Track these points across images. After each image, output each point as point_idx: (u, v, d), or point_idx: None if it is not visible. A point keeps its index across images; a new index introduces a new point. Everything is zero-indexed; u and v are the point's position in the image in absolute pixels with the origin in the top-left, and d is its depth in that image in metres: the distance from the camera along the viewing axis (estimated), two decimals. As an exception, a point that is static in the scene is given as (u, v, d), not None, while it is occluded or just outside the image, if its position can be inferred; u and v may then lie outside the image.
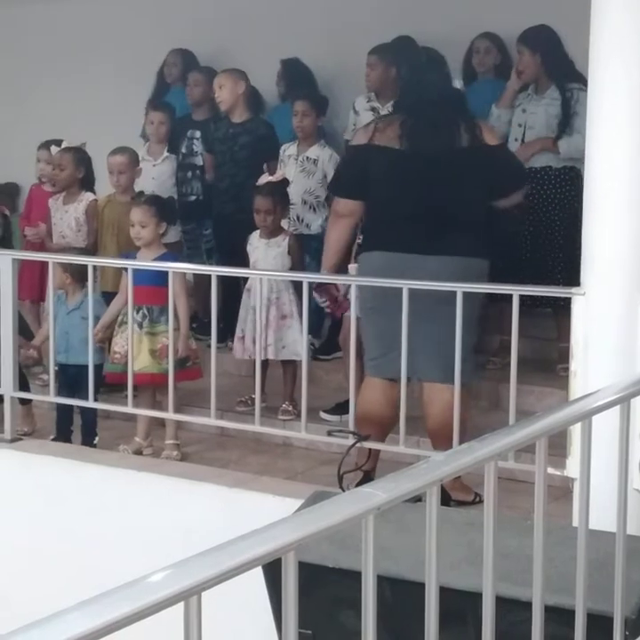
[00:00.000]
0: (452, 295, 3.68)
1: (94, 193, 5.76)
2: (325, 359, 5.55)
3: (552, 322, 5.33)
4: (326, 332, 5.76)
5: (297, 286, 4.87)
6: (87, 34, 7.59)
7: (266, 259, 5.17)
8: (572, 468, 3.13)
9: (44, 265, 5.21)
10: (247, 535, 1.37)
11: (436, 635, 1.66)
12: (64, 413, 4.97)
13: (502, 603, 2.13)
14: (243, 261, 5.25)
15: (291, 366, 5.10)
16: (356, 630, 1.58)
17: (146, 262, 4.70)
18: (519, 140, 5.41)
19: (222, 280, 5.04)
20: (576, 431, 2.75)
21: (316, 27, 6.84)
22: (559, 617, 2.19)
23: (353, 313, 3.80)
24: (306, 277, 3.77)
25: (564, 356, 4.51)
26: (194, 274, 5.54)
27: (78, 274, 4.78)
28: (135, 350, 4.59)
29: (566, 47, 5.33)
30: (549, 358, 5.32)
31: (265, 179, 5.30)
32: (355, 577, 1.64)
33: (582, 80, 5.07)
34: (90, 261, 4.49)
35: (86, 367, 4.48)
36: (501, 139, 4.89)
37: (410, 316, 3.74)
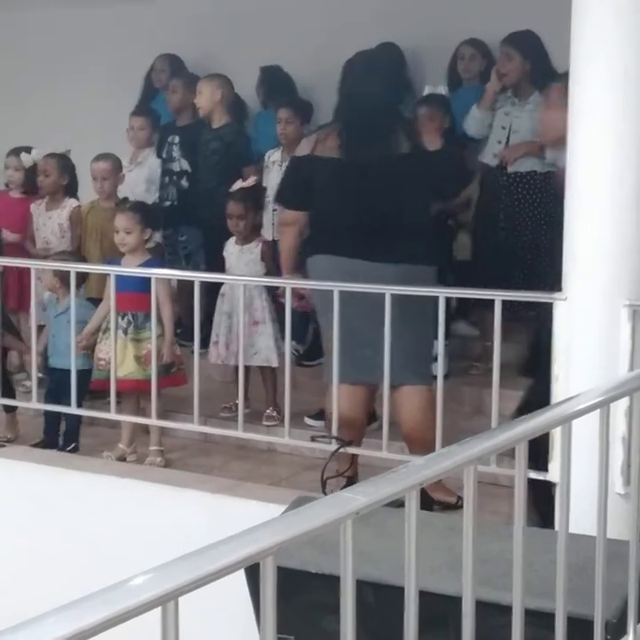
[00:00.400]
0: (407, 299, 3.70)
1: (78, 199, 5.76)
2: (309, 365, 5.56)
3: (536, 326, 5.34)
4: (310, 337, 5.77)
5: (271, 292, 4.96)
6: (72, 40, 7.59)
7: (239, 265, 5.20)
8: (554, 472, 3.14)
9: (21, 272, 5.20)
10: (226, 540, 1.37)
11: (416, 638, 1.66)
12: (52, 419, 4.95)
13: (483, 607, 2.13)
14: (221, 267, 5.28)
15: (268, 371, 5.11)
16: (339, 635, 1.59)
17: (130, 268, 4.70)
18: (502, 142, 5.43)
19: (205, 285, 5.05)
20: (558, 435, 2.76)
21: (300, 33, 6.85)
22: (540, 621, 2.20)
23: (336, 318, 3.81)
24: (288, 283, 3.77)
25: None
26: (177, 280, 5.54)
27: (68, 278, 4.78)
28: (120, 356, 4.58)
29: (549, 53, 5.36)
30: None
31: (238, 185, 5.36)
32: (337, 582, 1.64)
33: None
34: (72, 267, 4.48)
35: (65, 371, 4.49)
36: (479, 138, 4.90)
37: (367, 321, 3.78)
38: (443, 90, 5.79)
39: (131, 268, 4.70)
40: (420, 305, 3.85)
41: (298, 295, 4.41)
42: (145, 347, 4.69)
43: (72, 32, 7.59)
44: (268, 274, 5.13)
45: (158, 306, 4.53)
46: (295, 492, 3.52)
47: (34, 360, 4.56)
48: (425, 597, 1.94)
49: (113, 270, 4.47)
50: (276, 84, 6.57)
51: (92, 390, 4.88)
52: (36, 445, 4.90)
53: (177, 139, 6.28)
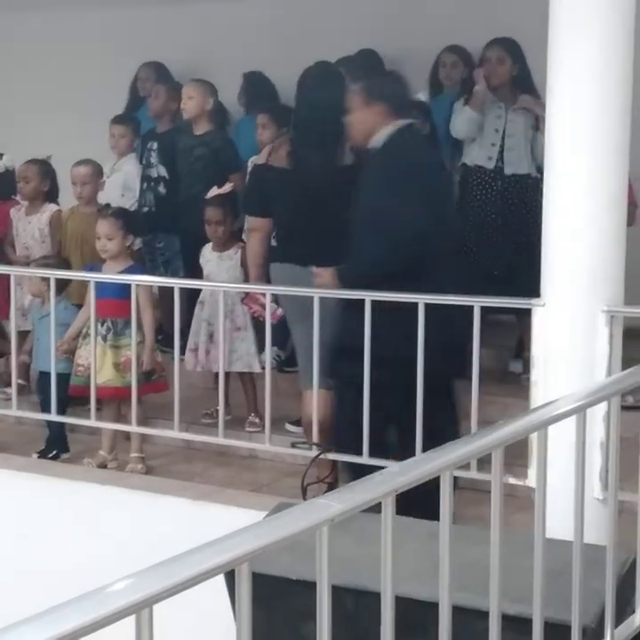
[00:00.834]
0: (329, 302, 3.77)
1: (58, 204, 5.75)
2: (291, 371, 5.55)
3: (516, 331, 5.36)
4: (292, 344, 5.76)
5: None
6: (55, 46, 7.57)
7: (219, 272, 5.19)
8: (534, 477, 3.15)
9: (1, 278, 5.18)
10: (201, 547, 1.37)
11: (393, 644, 1.67)
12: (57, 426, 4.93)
13: (464, 613, 2.14)
14: (199, 274, 5.29)
15: (247, 378, 5.11)
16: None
17: (111, 275, 4.69)
18: (497, 144, 5.43)
19: (186, 292, 5.05)
20: (535, 441, 2.77)
21: (282, 40, 6.87)
22: (520, 626, 2.20)
23: (316, 323, 3.81)
24: (268, 289, 3.77)
25: (527, 365, 4.55)
26: (158, 286, 5.54)
27: (55, 281, 4.78)
28: (99, 363, 4.57)
29: (528, 61, 5.39)
30: (512, 368, 5.35)
31: (213, 191, 5.37)
32: (316, 589, 1.64)
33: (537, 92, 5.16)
34: (52, 274, 4.47)
35: (49, 374, 4.48)
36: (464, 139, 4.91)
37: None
38: (422, 96, 5.80)
39: (111, 275, 4.69)
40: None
41: (259, 304, 4.44)
42: (124, 354, 4.68)
43: (55, 38, 7.57)
44: (246, 280, 5.14)
45: (139, 312, 4.52)
46: (276, 499, 3.51)
47: (14, 367, 4.54)
48: (405, 603, 1.95)
49: (93, 277, 4.46)
50: (258, 89, 6.57)
51: (71, 396, 4.86)
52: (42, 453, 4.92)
53: (155, 145, 6.27)
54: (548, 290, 3.27)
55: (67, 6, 7.32)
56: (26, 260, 5.59)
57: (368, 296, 3.71)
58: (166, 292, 5.19)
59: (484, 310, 3.75)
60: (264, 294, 4.29)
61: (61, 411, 4.68)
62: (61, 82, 7.53)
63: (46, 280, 4.78)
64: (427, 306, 3.58)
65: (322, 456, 3.93)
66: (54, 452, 4.88)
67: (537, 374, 3.27)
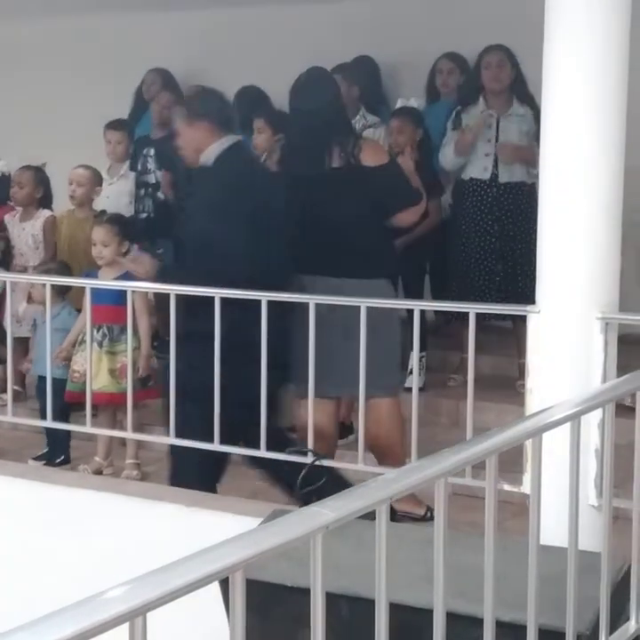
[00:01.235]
0: (353, 311, 3.71)
1: (52, 211, 5.76)
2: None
3: (512, 338, 5.37)
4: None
5: None
6: (56, 52, 7.59)
7: None
8: (528, 484, 3.15)
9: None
10: (195, 554, 1.37)
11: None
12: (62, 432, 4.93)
13: (459, 620, 2.14)
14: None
15: None
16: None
17: (106, 281, 4.69)
18: (490, 155, 5.44)
19: (183, 298, 5.04)
20: (530, 447, 2.77)
21: (277, 48, 6.89)
22: (515, 633, 2.20)
23: (311, 331, 3.81)
24: (264, 296, 3.77)
25: (523, 372, 4.56)
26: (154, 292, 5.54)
27: (58, 286, 4.79)
28: (94, 369, 4.57)
29: (523, 68, 5.40)
30: (509, 375, 5.36)
31: None
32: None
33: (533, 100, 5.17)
34: (48, 280, 4.47)
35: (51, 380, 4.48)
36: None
37: (330, 334, 3.81)
38: (414, 102, 5.81)
39: (107, 281, 4.69)
40: (381, 317, 3.87)
41: None
42: (119, 360, 4.69)
43: (53, 43, 7.59)
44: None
45: (135, 318, 4.52)
46: (271, 506, 3.51)
47: (10, 373, 4.54)
48: (400, 610, 1.95)
49: (89, 283, 4.46)
50: (251, 105, 6.58)
51: (67, 402, 4.87)
52: (38, 458, 4.94)
53: (152, 151, 6.27)
54: (543, 296, 3.27)
55: (67, 12, 7.33)
56: (22, 267, 5.59)
57: (363, 302, 3.71)
58: (163, 299, 5.18)
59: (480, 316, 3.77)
60: None
61: (63, 416, 4.69)
62: (59, 88, 7.53)
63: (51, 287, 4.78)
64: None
65: (316, 462, 3.93)
66: (62, 457, 4.89)
67: (532, 381, 3.27)
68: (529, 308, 3.33)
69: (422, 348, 4.50)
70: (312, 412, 3.91)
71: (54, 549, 4.11)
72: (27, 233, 5.66)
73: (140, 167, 6.30)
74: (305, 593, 2.60)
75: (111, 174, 6.22)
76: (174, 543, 3.52)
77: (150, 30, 7.33)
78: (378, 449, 4.12)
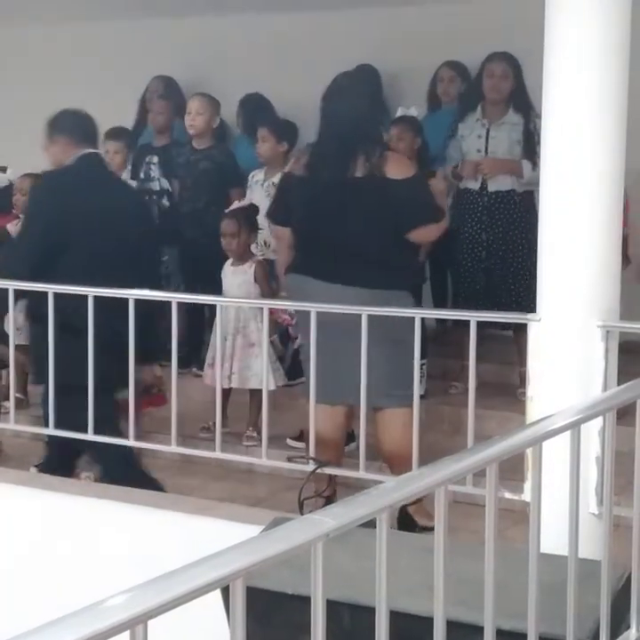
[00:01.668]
0: (377, 321, 3.71)
1: None
2: (290, 384, 5.56)
3: (513, 346, 5.38)
4: (290, 357, 5.78)
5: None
6: (58, 59, 7.61)
7: (232, 286, 5.21)
8: (529, 492, 3.15)
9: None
10: (195, 563, 1.38)
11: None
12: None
13: (459, 628, 2.14)
14: (207, 286, 5.29)
15: (257, 394, 5.11)
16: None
17: (109, 289, 4.69)
18: (482, 151, 5.45)
19: (186, 306, 5.06)
20: (531, 456, 2.78)
21: (279, 56, 6.91)
22: (515, 641, 2.21)
23: (313, 338, 3.82)
24: (265, 304, 3.78)
25: (524, 380, 4.57)
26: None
27: None
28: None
29: (525, 76, 5.41)
30: (511, 382, 5.37)
31: (235, 205, 5.41)
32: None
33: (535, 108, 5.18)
34: (51, 288, 4.47)
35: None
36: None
37: (345, 341, 3.81)
38: (414, 111, 5.83)
39: (109, 289, 4.69)
40: (397, 327, 3.86)
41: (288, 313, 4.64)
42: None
43: (59, 52, 7.61)
44: (263, 295, 5.15)
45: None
46: (273, 513, 3.52)
47: (12, 381, 4.54)
48: (401, 618, 1.95)
49: (91, 291, 4.47)
50: (253, 114, 6.59)
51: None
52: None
53: (155, 158, 6.29)
54: (543, 305, 3.28)
55: (70, 20, 7.36)
56: None
57: (365, 311, 3.72)
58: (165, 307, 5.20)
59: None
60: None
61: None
62: (62, 96, 7.54)
63: None
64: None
65: (319, 470, 3.94)
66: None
67: (533, 389, 3.28)
68: (530, 316, 3.33)
69: (423, 356, 4.50)
70: (315, 419, 3.92)
71: (56, 557, 4.11)
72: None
73: (142, 175, 6.32)
74: (306, 601, 2.61)
75: None
76: (175, 551, 3.53)
77: (153, 38, 7.34)
78: (392, 459, 4.11)
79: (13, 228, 5.77)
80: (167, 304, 4.08)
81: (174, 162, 6.15)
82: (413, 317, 3.69)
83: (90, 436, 4.15)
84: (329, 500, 3.98)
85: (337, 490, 4.13)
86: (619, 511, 2.54)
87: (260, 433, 4.83)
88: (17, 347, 4.55)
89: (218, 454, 4.02)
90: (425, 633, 2.44)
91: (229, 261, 5.32)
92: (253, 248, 5.70)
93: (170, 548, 3.71)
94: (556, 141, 3.24)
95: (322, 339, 3.81)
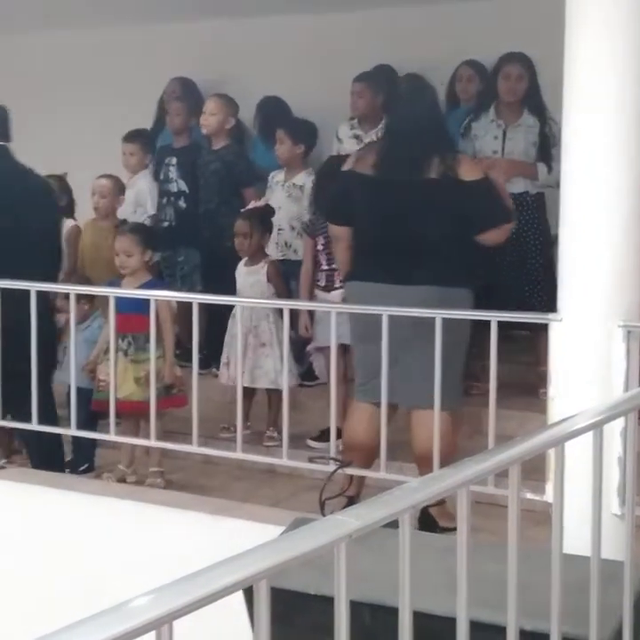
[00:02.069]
0: (431, 324, 3.71)
1: (75, 220, 5.81)
2: (309, 385, 5.57)
3: (532, 346, 5.37)
4: (308, 358, 5.78)
5: (280, 314, 4.96)
6: (77, 63, 7.65)
7: (245, 286, 5.23)
8: (552, 493, 3.14)
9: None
10: (219, 563, 1.39)
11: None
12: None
13: (482, 628, 2.14)
14: (222, 286, 5.31)
15: (274, 393, 5.12)
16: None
17: (131, 290, 4.72)
18: (499, 152, 5.44)
19: (206, 307, 5.07)
20: (553, 456, 2.77)
21: (298, 57, 6.92)
22: (538, 642, 2.21)
23: (333, 340, 3.83)
24: (285, 304, 3.79)
25: (544, 379, 4.55)
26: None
27: (86, 298, 4.84)
28: (120, 378, 4.60)
29: (539, 76, 5.40)
30: (530, 383, 5.35)
31: (252, 205, 5.42)
32: (334, 604, 1.65)
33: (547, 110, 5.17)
34: (72, 289, 4.51)
35: (78, 390, 4.52)
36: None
37: (397, 343, 3.78)
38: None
39: (131, 290, 4.72)
40: (454, 329, 3.85)
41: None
42: (145, 368, 4.70)
43: (77, 55, 7.65)
44: (275, 295, 5.16)
45: (159, 327, 4.55)
46: (294, 514, 3.52)
47: (34, 383, 4.57)
48: (422, 618, 1.95)
49: (112, 292, 4.49)
50: (271, 115, 6.59)
51: (94, 411, 4.90)
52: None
53: (174, 160, 6.31)
54: (564, 305, 3.27)
55: (92, 25, 7.40)
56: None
57: (385, 311, 3.73)
58: (185, 307, 5.23)
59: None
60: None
61: (91, 425, 4.72)
62: (84, 98, 7.59)
63: (83, 298, 4.82)
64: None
65: (340, 470, 3.94)
66: (86, 465, 4.92)
67: (554, 389, 3.27)
68: (551, 316, 3.33)
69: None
70: (334, 420, 3.92)
71: (77, 556, 4.14)
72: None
73: (162, 176, 6.34)
74: (328, 601, 2.61)
75: (128, 185, 6.27)
76: (197, 551, 3.55)
77: (171, 41, 7.37)
78: (422, 460, 4.05)
79: None
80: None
81: (193, 163, 6.17)
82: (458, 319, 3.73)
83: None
84: (352, 500, 3.98)
85: (363, 491, 4.11)
86: (641, 512, 2.54)
87: (279, 433, 4.86)
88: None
89: (239, 455, 4.03)
90: (445, 633, 2.44)
91: (243, 261, 5.33)
92: (275, 249, 5.72)
93: (191, 547, 3.72)
94: (577, 142, 3.23)
95: (369, 340, 3.79)
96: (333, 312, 3.82)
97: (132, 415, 4.81)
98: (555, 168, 5.21)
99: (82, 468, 4.93)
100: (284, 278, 5.39)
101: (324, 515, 3.72)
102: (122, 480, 4.76)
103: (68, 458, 5.03)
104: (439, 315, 3.69)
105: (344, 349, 4.72)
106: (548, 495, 3.21)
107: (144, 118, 6.90)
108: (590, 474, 2.12)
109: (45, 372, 4.68)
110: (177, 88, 6.90)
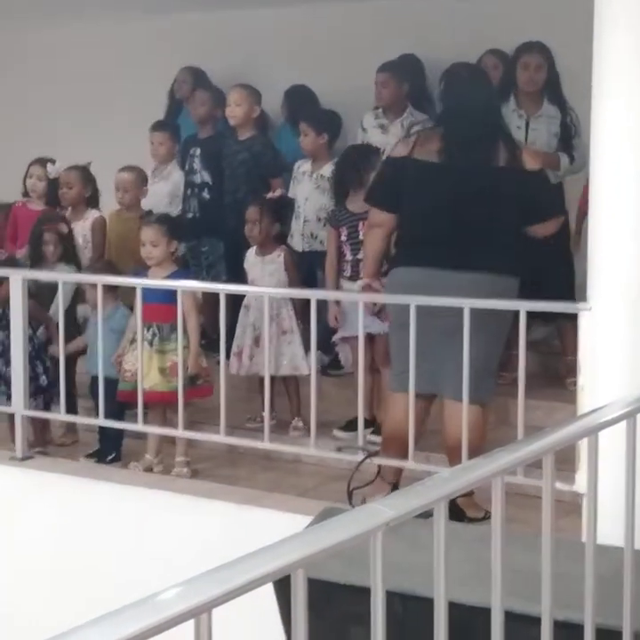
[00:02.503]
0: (477, 313, 3.68)
1: (100, 210, 5.82)
2: (336, 374, 5.57)
3: (557, 335, 5.35)
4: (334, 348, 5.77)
5: (296, 302, 4.99)
6: (96, 54, 7.66)
7: (263, 275, 5.22)
8: (581, 483, 3.14)
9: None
10: (256, 553, 1.39)
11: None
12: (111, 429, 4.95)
13: (512, 618, 2.14)
14: (242, 278, 5.32)
15: (292, 381, 5.12)
16: (367, 646, 1.59)
17: (156, 280, 4.73)
18: (522, 142, 5.40)
19: (229, 297, 5.08)
20: (584, 446, 2.76)
21: (322, 46, 6.89)
22: (569, 632, 2.20)
23: (360, 329, 3.82)
24: (313, 294, 3.79)
25: (571, 369, 4.53)
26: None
27: (110, 287, 4.82)
28: (145, 368, 4.61)
29: (558, 65, 5.36)
30: (556, 372, 5.33)
31: (269, 196, 5.43)
32: (365, 593, 1.65)
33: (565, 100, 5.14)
34: (99, 280, 4.51)
35: (104, 380, 4.53)
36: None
37: (437, 333, 3.77)
38: None
39: (157, 280, 4.72)
40: (492, 321, 3.81)
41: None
42: (170, 358, 4.71)
43: (97, 47, 7.66)
44: (291, 284, 5.15)
45: (184, 317, 4.55)
46: (322, 503, 3.53)
47: (62, 372, 4.59)
48: (454, 608, 1.94)
49: (139, 282, 4.50)
50: (298, 105, 6.57)
51: (120, 402, 4.91)
52: (90, 456, 4.99)
53: (198, 151, 6.31)
54: (594, 294, 3.26)
55: (109, 15, 7.40)
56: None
57: (413, 301, 3.72)
58: (210, 297, 5.24)
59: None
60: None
61: (118, 415, 4.73)
62: (103, 89, 7.60)
63: (104, 288, 4.81)
64: None
65: (367, 460, 3.93)
66: (113, 455, 4.94)
67: (584, 379, 3.26)
68: (580, 305, 3.31)
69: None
70: (362, 409, 3.91)
71: (105, 546, 4.16)
72: (77, 233, 5.71)
73: (187, 167, 6.34)
74: (358, 591, 2.62)
75: (155, 175, 6.27)
76: (226, 540, 3.56)
77: (192, 31, 7.36)
78: (454, 450, 3.99)
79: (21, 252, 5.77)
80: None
81: (219, 154, 6.16)
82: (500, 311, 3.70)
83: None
84: (395, 488, 3.92)
85: (401, 480, 4.08)
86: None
87: (305, 423, 4.86)
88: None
89: (266, 445, 4.04)
90: (477, 623, 2.43)
91: (253, 250, 5.31)
92: (300, 240, 5.70)
93: (220, 537, 3.73)
94: (607, 129, 3.21)
95: (408, 330, 3.77)
96: (361, 302, 3.81)
97: (157, 405, 4.82)
98: (576, 158, 5.19)
99: (109, 458, 4.95)
100: (310, 269, 5.37)
101: (351, 504, 3.72)
102: (149, 469, 4.77)
103: (96, 448, 5.05)
104: (467, 305, 3.67)
105: (370, 339, 4.71)
106: (578, 485, 3.20)
107: (162, 108, 6.92)
108: (622, 463, 2.11)
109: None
110: (188, 78, 6.89)
